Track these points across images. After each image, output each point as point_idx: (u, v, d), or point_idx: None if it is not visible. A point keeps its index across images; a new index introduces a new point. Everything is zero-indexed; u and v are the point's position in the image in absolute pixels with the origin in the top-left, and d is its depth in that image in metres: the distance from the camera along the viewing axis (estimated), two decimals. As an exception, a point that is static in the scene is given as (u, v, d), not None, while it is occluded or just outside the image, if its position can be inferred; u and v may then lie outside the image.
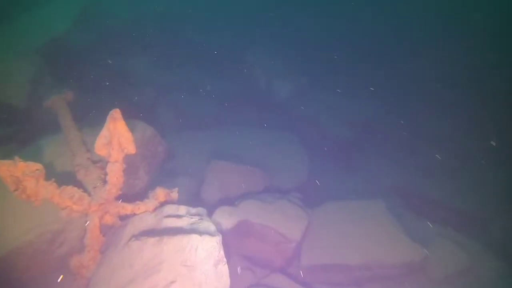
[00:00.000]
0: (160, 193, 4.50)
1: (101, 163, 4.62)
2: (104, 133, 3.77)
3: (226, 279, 3.63)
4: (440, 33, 12.02)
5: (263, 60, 10.82)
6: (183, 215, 4.38)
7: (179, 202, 4.92)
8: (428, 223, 6.76)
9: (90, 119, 6.67)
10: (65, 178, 4.48)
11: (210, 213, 5.11)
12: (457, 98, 10.30)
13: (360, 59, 10.96)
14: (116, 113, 3.79)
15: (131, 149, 3.98)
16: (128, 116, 8.07)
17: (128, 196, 4.98)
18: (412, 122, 10.06)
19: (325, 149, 8.95)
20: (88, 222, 3.99)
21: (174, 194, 4.67)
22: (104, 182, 4.05)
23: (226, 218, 4.92)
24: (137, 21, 11.64)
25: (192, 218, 4.36)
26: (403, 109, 10.25)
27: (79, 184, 4.30)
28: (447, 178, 8.60)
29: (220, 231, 4.73)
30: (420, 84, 10.53)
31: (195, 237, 3.64)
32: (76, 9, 10.10)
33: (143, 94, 8.93)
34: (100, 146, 3.78)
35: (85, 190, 4.09)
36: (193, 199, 5.60)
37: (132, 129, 5.18)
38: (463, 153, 9.26)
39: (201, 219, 4.54)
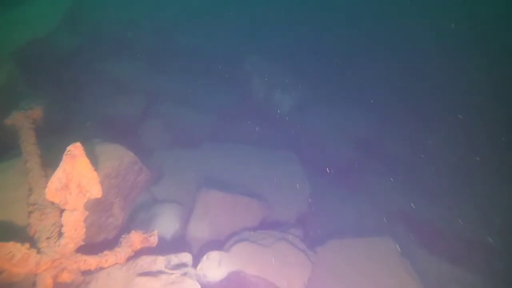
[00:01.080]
0: (136, 239, 3.60)
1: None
2: (59, 175, 2.87)
3: None
4: (450, 51, 11.22)
5: (262, 70, 9.91)
6: (161, 271, 3.48)
7: (160, 243, 4.06)
8: (441, 263, 6.02)
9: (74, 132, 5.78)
10: (16, 222, 3.58)
11: (196, 259, 4.23)
12: (469, 118, 9.53)
13: (367, 72, 10.08)
14: (75, 149, 2.88)
15: (95, 192, 3.08)
16: (111, 133, 7.41)
17: (98, 240, 4.09)
18: (417, 142, 9.29)
19: (327, 170, 8.13)
20: (36, 283, 3.08)
21: (153, 239, 3.77)
22: (60, 233, 3.15)
23: (215, 268, 4.02)
24: (129, 24, 10.76)
25: (172, 274, 3.47)
26: (408, 127, 9.47)
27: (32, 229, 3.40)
28: (455, 203, 7.87)
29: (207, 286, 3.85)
30: (429, 102, 9.71)
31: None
32: (62, 8, 9.15)
33: (132, 104, 8.00)
34: (53, 191, 2.87)
35: (35, 241, 3.19)
36: (177, 238, 4.70)
37: (107, 156, 4.32)
38: (472, 174, 8.51)
39: (185, 273, 3.65)
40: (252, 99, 9.71)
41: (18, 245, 2.87)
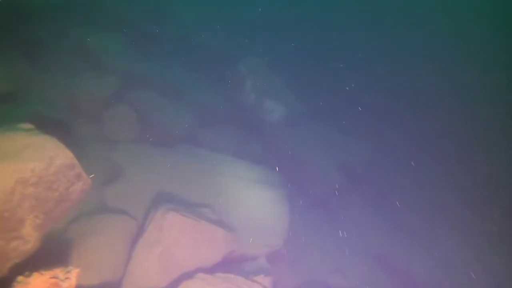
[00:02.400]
0: (38, 285, 2.46)
1: None
2: None
3: None
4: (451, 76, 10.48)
5: (257, 74, 8.84)
6: None
7: None
8: None
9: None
10: None
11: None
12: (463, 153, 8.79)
13: (365, 91, 9.15)
14: None
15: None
16: (68, 114, 6.05)
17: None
18: (408, 173, 8.52)
19: (311, 194, 7.18)
20: None
21: (68, 285, 2.63)
22: None
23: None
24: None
25: None
26: (400, 162, 8.65)
27: None
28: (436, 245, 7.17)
29: None
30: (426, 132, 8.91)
31: None
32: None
33: (102, 84, 6.74)
34: None
35: None
36: (112, 278, 3.52)
37: (31, 154, 3.09)
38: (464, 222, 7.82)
39: None
40: (241, 103, 8.64)
41: None
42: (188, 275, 3.62)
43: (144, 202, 4.83)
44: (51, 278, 2.45)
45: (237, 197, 5.36)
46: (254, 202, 5.52)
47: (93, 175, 4.14)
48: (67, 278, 2.62)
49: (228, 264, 4.36)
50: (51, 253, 3.02)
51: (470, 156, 8.61)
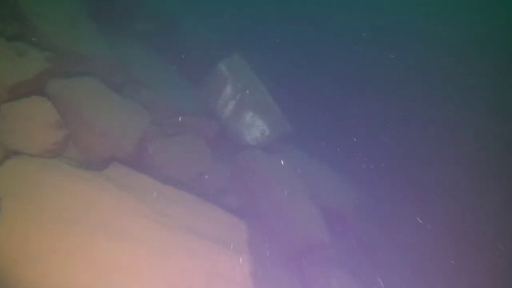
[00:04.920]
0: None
1: None
2: None
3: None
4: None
5: (241, 79, 6.98)
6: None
7: None
8: None
9: None
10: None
11: None
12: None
13: (363, 134, 7.34)
14: None
15: None
16: None
17: None
18: (396, 229, 6.89)
19: (282, 244, 5.44)
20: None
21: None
22: None
23: None
24: None
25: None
26: (390, 209, 7.01)
27: None
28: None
29: None
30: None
31: None
32: None
33: (20, 64, 4.71)
34: None
35: None
36: None
37: None
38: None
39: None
40: (214, 112, 6.75)
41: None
42: None
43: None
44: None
45: (181, 271, 3.55)
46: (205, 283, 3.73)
47: None
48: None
49: None
50: None
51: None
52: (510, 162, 6.84)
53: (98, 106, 4.84)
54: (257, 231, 5.40)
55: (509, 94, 7.60)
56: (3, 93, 4.05)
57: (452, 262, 6.27)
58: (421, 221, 6.19)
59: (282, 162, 6.18)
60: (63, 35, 5.40)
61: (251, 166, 5.94)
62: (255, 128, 6.81)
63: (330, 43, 7.91)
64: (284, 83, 7.25)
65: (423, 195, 6.67)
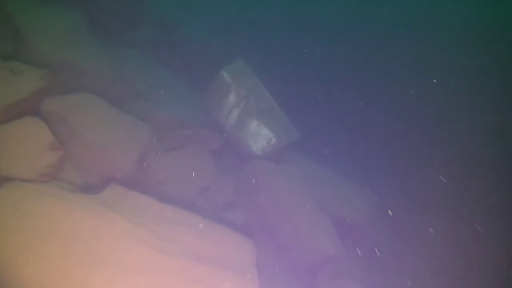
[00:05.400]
0: None
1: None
2: None
3: None
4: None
5: (245, 85, 6.68)
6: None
7: None
8: None
9: None
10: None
11: None
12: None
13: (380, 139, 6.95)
14: None
15: None
16: None
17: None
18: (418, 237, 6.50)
19: (291, 258, 5.15)
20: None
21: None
22: None
23: None
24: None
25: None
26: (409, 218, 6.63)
27: None
28: None
29: None
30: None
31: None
32: None
33: (17, 82, 4.52)
34: None
35: None
36: None
37: None
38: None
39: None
40: (220, 120, 6.49)
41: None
42: None
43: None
44: None
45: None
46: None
47: None
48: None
49: None
50: None
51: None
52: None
53: (96, 123, 4.62)
54: (266, 248, 5.14)
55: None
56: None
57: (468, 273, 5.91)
58: (432, 231, 5.81)
59: (289, 172, 5.89)
60: (60, 50, 5.21)
61: (258, 178, 5.66)
62: (261, 137, 6.52)
63: (340, 46, 7.51)
64: (290, 88, 6.92)
65: (438, 202, 6.29)
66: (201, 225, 4.12)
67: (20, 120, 3.88)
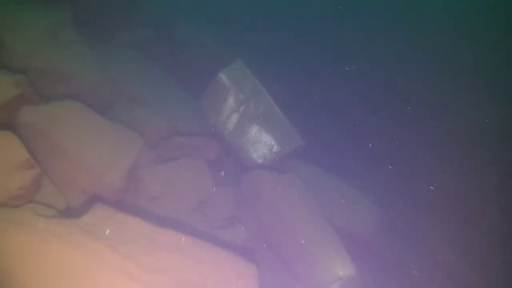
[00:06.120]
0: None
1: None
2: None
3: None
4: None
5: (243, 87, 6.18)
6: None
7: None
8: None
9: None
10: None
11: None
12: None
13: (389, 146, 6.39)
14: None
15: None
16: None
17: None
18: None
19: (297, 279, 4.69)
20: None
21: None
22: None
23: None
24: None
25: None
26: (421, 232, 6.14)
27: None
28: None
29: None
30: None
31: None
32: None
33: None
34: None
35: None
36: None
37: None
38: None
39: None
40: (218, 127, 5.99)
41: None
42: None
43: None
44: None
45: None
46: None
47: None
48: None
49: None
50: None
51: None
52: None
53: (79, 134, 4.12)
54: (269, 267, 4.67)
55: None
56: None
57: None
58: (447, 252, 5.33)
59: (293, 183, 5.40)
60: (40, 53, 4.68)
61: (259, 190, 5.17)
62: (262, 143, 6.03)
63: (345, 46, 6.98)
64: (293, 91, 6.41)
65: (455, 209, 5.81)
66: (196, 250, 3.63)
67: (-11, 135, 3.38)
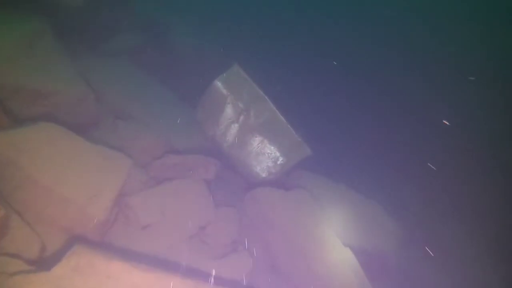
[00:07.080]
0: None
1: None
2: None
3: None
4: None
5: (242, 95, 5.56)
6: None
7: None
8: None
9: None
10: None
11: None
12: None
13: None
14: None
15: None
16: None
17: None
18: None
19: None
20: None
21: None
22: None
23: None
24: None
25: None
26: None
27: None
28: None
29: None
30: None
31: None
32: None
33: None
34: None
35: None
36: None
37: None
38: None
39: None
40: (216, 140, 5.40)
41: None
42: None
43: None
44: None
45: None
46: None
47: None
48: None
49: None
50: None
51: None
52: None
53: (57, 162, 3.55)
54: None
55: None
56: None
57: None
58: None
59: (302, 200, 4.80)
60: (12, 68, 4.13)
61: (264, 211, 4.58)
62: (265, 156, 5.42)
63: (349, 48, 6.29)
64: (296, 97, 5.78)
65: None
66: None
67: None
